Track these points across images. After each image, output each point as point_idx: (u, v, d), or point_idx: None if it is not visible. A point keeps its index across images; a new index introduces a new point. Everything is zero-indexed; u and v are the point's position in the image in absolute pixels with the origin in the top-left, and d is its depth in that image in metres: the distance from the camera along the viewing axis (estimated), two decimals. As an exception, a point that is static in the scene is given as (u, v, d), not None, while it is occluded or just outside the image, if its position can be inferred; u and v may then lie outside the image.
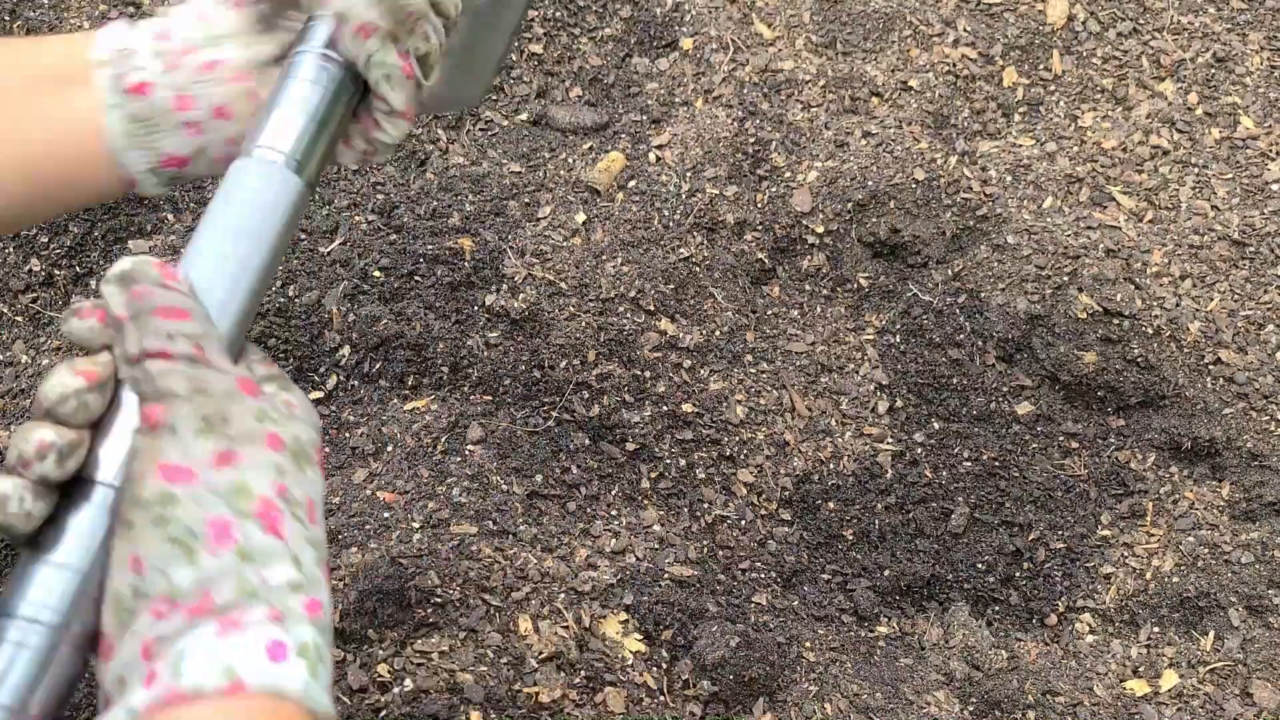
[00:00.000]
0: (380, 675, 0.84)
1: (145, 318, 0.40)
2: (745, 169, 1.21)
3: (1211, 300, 1.16)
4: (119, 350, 0.40)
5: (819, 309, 1.20)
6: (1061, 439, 1.15)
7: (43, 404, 0.39)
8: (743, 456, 1.10)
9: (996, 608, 1.10)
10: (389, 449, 1.02)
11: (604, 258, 1.14)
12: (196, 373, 0.39)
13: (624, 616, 0.94)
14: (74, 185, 0.53)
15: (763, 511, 1.09)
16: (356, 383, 1.08)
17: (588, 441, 1.07)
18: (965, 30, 1.30)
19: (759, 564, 1.05)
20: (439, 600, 0.88)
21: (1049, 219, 1.20)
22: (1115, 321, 1.14)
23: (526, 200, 1.19)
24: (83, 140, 0.52)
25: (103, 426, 0.40)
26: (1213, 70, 1.28)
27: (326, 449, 1.03)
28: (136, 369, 0.39)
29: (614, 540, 1.00)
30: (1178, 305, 1.16)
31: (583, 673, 0.89)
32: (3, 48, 0.54)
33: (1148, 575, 1.09)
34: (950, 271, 1.19)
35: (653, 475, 1.07)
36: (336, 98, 0.52)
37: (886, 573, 1.09)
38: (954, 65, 1.28)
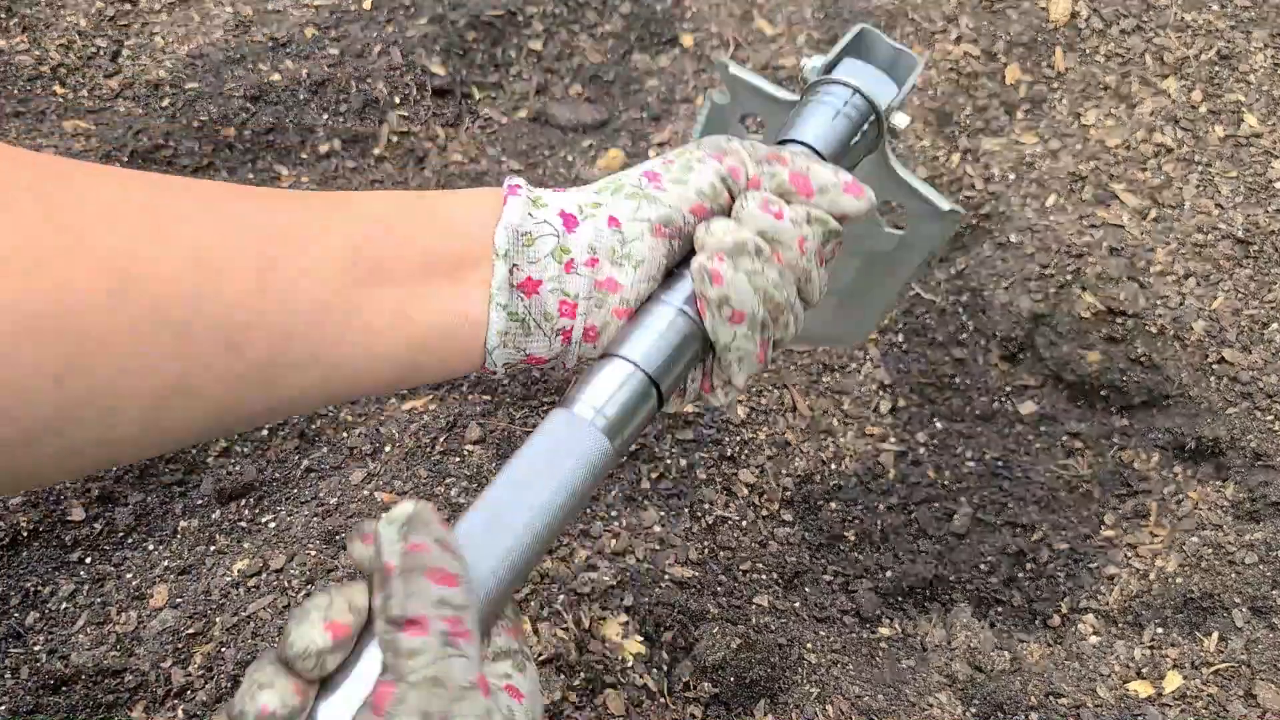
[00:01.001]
0: (378, 677, 0.83)
1: (415, 576, 0.38)
2: (746, 167, 1.20)
3: (1215, 299, 1.16)
4: (380, 604, 0.38)
5: (820, 308, 1.19)
6: (1065, 439, 1.14)
7: (285, 651, 0.37)
8: (744, 457, 1.09)
9: (999, 609, 1.09)
10: (387, 449, 1.01)
11: (604, 256, 1.13)
12: (443, 656, 0.37)
13: (624, 618, 0.93)
14: (430, 373, 0.49)
15: (764, 512, 1.08)
16: (354, 382, 1.07)
17: (588, 441, 1.06)
18: (968, 27, 1.29)
19: (760, 565, 1.05)
20: (438, 602, 0.87)
21: (1052, 217, 1.19)
22: (1119, 320, 1.13)
23: (526, 198, 1.18)
24: (460, 335, 0.48)
25: (331, 680, 0.38)
26: (1216, 67, 1.27)
27: (324, 449, 1.03)
28: (390, 633, 0.37)
29: (614, 541, 0.99)
30: (1181, 304, 1.15)
31: (582, 675, 0.88)
32: (402, 217, 0.47)
33: (1151, 576, 1.08)
34: (953, 270, 1.19)
35: (653, 475, 1.06)
36: (679, 357, 0.51)
37: (889, 574, 1.08)
38: (956, 62, 1.27)
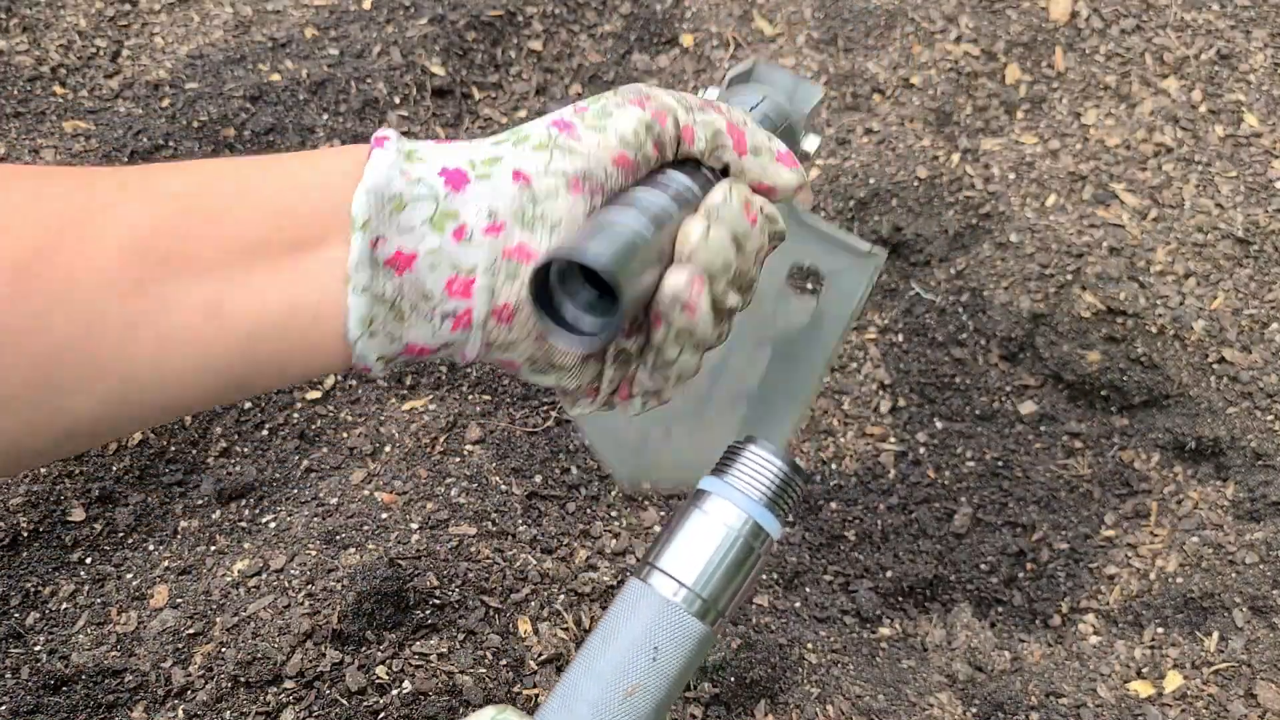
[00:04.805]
0: (379, 677, 0.83)
1: None
2: (746, 167, 1.20)
3: (1215, 299, 1.16)
4: None
5: (820, 308, 1.19)
6: (1065, 439, 1.14)
7: None
8: (744, 456, 1.09)
9: (1000, 609, 1.09)
10: (387, 449, 1.01)
11: (604, 256, 1.13)
12: None
13: (624, 618, 0.93)
14: (271, 378, 0.41)
15: (764, 512, 1.08)
16: (354, 382, 1.07)
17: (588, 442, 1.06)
18: (968, 27, 1.29)
19: (760, 565, 1.05)
20: (438, 602, 0.87)
21: (1052, 217, 1.19)
22: (1119, 320, 1.13)
23: (526, 198, 1.18)
24: (303, 328, 0.40)
25: None
26: (1216, 67, 1.27)
27: (324, 449, 1.03)
28: None
29: (614, 541, 0.99)
30: (1181, 304, 1.15)
31: (583, 675, 0.88)
32: (217, 188, 0.39)
33: (1151, 576, 1.08)
34: (953, 270, 1.19)
35: (653, 475, 1.06)
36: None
37: (889, 574, 1.08)
38: (956, 62, 1.27)
